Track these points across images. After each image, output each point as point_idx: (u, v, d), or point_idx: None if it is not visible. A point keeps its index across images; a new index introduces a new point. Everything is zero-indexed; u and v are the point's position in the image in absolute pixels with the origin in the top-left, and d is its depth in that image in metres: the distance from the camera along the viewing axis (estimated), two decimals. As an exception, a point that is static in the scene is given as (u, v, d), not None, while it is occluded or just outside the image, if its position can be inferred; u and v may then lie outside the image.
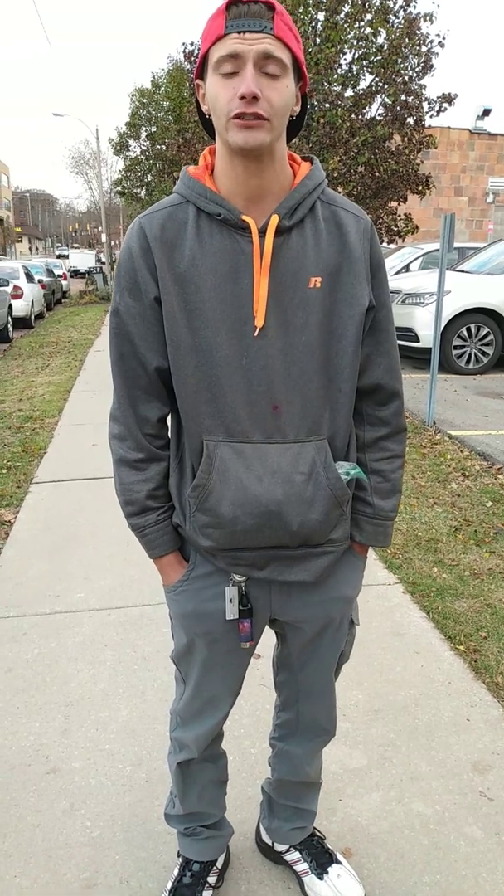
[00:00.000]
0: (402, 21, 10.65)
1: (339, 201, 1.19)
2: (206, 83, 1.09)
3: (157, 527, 1.28)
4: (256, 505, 1.16)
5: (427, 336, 7.81)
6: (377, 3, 10.59)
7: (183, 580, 1.30)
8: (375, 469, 1.31)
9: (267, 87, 1.03)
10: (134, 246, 1.15)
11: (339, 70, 10.79)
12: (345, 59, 10.88)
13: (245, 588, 1.26)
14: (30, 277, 15.76)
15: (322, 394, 1.18)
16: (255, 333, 1.12)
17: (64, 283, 25.37)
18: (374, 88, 10.98)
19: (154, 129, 22.58)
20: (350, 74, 10.92)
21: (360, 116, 11.01)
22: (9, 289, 13.23)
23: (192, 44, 12.91)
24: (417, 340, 8.19)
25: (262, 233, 1.11)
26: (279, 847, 1.64)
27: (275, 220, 1.11)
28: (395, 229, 12.25)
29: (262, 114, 1.02)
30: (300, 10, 10.35)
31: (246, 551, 1.22)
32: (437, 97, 11.25)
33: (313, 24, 10.63)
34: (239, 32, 1.01)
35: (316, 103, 10.54)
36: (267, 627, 1.39)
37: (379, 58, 10.74)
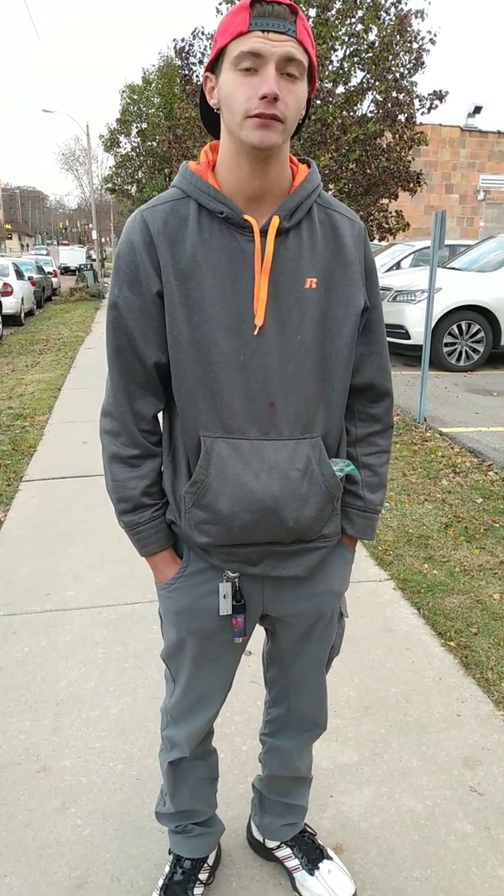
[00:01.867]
0: (394, 18, 10.66)
1: (334, 205, 1.21)
2: (221, 78, 1.07)
3: (151, 524, 1.27)
4: (254, 501, 1.16)
5: (418, 333, 7.83)
6: (368, 0, 10.59)
7: (177, 577, 1.29)
8: (365, 463, 1.34)
9: (285, 89, 1.03)
10: (136, 239, 1.13)
11: (330, 67, 10.79)
12: (336, 56, 10.89)
13: (238, 584, 1.27)
14: (20, 274, 15.67)
15: (317, 392, 1.19)
16: (255, 332, 1.13)
17: (54, 280, 25.26)
18: (365, 85, 10.99)
19: (145, 125, 22.49)
20: (341, 71, 10.92)
21: (352, 113, 11.02)
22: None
23: (182, 40, 12.85)
24: (408, 337, 8.20)
25: (263, 233, 1.12)
26: (270, 843, 1.64)
27: (276, 221, 1.11)
28: (387, 226, 12.27)
29: (279, 115, 1.03)
30: (291, 7, 10.32)
31: (241, 547, 1.22)
32: (429, 94, 11.27)
33: (304, 20, 10.60)
34: (263, 31, 1.01)
35: (307, 100, 10.51)
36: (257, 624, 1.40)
37: (370, 55, 10.75)
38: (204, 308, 1.12)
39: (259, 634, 1.52)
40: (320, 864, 1.57)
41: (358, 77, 11.06)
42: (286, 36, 1.01)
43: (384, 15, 10.71)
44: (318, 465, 1.20)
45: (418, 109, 11.26)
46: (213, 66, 1.10)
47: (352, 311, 1.18)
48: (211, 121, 1.21)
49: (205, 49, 12.73)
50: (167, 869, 1.57)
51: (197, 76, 12.89)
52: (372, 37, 10.72)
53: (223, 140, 1.12)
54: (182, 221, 1.13)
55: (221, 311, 1.12)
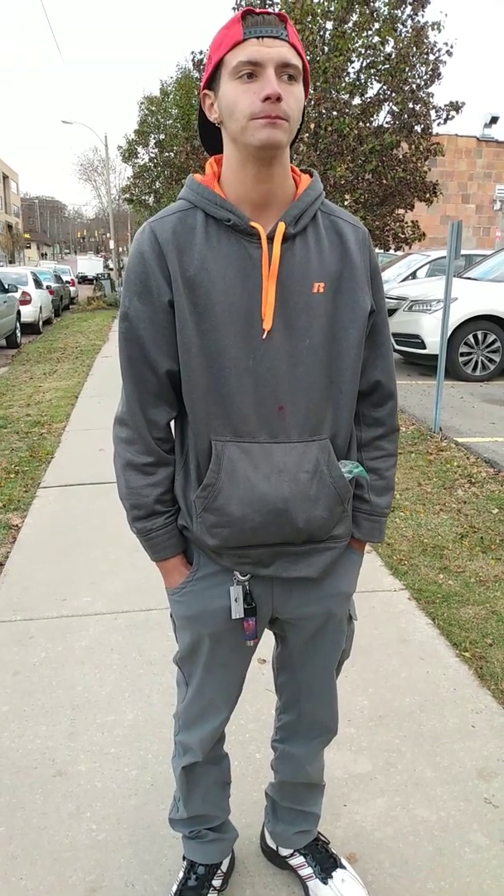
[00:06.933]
0: (410, 30, 10.70)
1: (337, 212, 1.23)
2: (221, 90, 1.10)
3: (164, 530, 1.29)
4: (264, 503, 1.18)
5: (434, 343, 7.81)
6: (385, 13, 10.65)
7: (188, 581, 1.31)
8: (371, 467, 1.36)
9: (285, 90, 1.07)
10: (146, 250, 1.16)
11: (346, 78, 10.83)
12: (353, 68, 10.93)
13: (248, 586, 1.29)
14: (38, 283, 15.85)
15: (325, 394, 1.21)
16: (263, 336, 1.15)
17: (72, 289, 25.52)
18: (381, 96, 11.02)
19: (162, 136, 22.67)
20: (358, 83, 10.96)
21: (368, 124, 11.05)
22: (17, 295, 13.32)
23: (200, 52, 12.98)
24: (424, 347, 8.18)
25: (270, 239, 1.14)
26: (284, 851, 1.64)
27: (282, 227, 1.14)
28: (403, 236, 12.26)
29: (283, 114, 1.06)
30: (308, 20, 10.41)
31: (252, 549, 1.24)
32: (445, 105, 11.27)
33: (321, 32, 10.68)
34: (258, 38, 1.05)
35: (324, 111, 10.59)
36: (267, 630, 1.41)
37: (387, 66, 10.78)
38: (213, 315, 1.14)
39: (273, 642, 1.53)
40: (334, 873, 1.57)
41: (374, 88, 11.09)
42: (280, 40, 1.06)
43: (401, 27, 10.75)
44: (326, 466, 1.22)
45: (434, 120, 11.27)
46: (210, 83, 1.13)
47: (359, 314, 1.21)
48: (208, 138, 1.26)
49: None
50: (181, 874, 1.58)
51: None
52: (388, 49, 10.76)
53: (227, 151, 1.15)
54: (190, 231, 1.15)
55: (230, 317, 1.14)
